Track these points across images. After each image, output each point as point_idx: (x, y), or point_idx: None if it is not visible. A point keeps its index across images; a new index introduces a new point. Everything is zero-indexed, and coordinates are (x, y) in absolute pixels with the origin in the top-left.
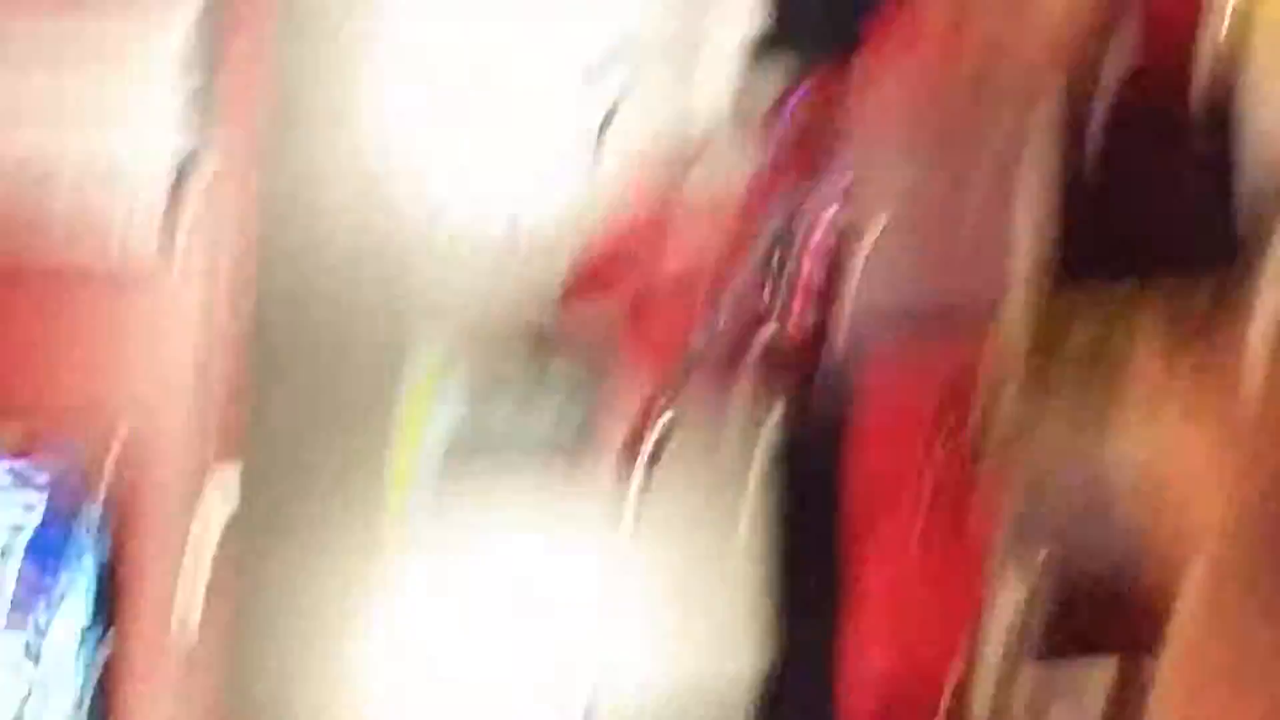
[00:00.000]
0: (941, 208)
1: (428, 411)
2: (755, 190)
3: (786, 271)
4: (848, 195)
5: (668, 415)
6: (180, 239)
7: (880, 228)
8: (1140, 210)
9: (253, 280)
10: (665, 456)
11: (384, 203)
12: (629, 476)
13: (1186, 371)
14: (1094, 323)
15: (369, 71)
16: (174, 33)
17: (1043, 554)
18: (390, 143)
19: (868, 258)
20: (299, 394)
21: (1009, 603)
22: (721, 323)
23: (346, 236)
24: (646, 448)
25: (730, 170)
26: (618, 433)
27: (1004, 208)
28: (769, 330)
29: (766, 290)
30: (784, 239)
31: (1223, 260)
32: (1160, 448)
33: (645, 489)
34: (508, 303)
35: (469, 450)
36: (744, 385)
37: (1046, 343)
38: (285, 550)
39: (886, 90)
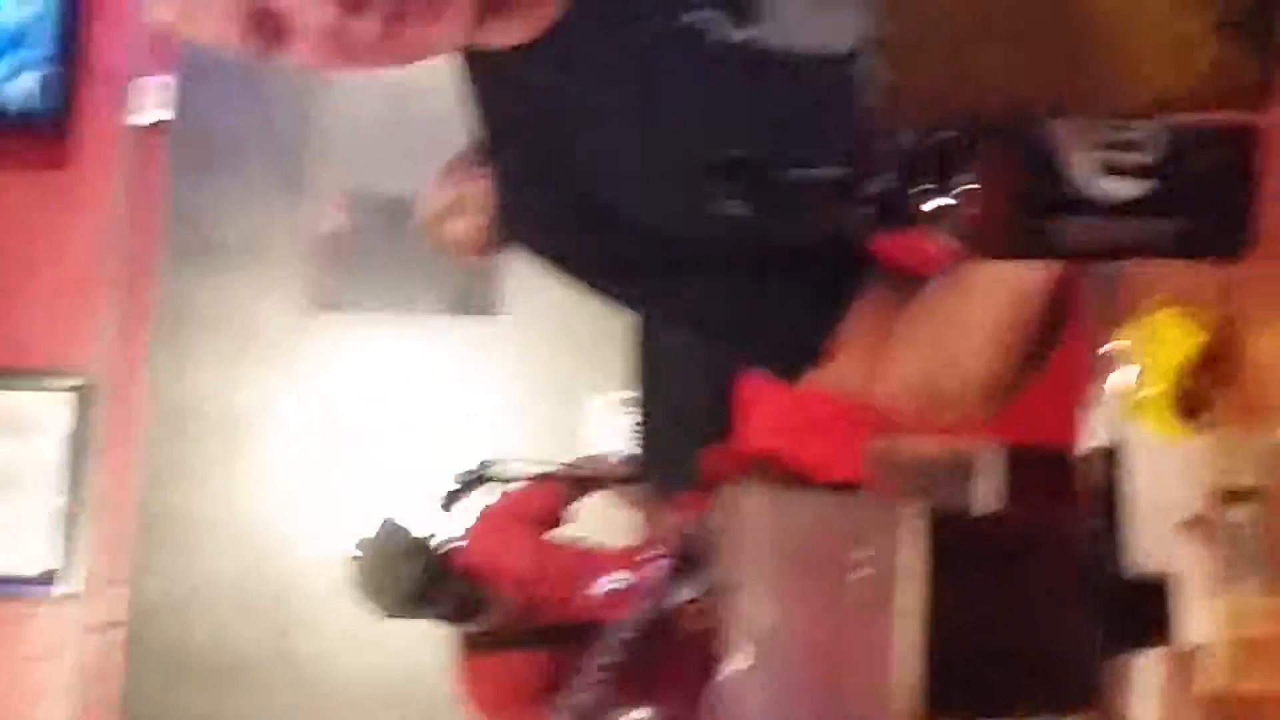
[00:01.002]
0: (807, 640)
1: None
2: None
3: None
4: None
5: None
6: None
7: (745, 659)
8: (1009, 646)
9: (115, 701)
10: None
11: (255, 613)
12: None
13: None
14: None
15: (236, 479)
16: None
17: None
18: (257, 550)
19: (734, 684)
20: None
21: None
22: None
23: (212, 646)
24: None
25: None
26: None
27: (874, 639)
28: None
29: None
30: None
31: (1084, 701)
32: None
33: None
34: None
35: None
36: None
37: None
38: None
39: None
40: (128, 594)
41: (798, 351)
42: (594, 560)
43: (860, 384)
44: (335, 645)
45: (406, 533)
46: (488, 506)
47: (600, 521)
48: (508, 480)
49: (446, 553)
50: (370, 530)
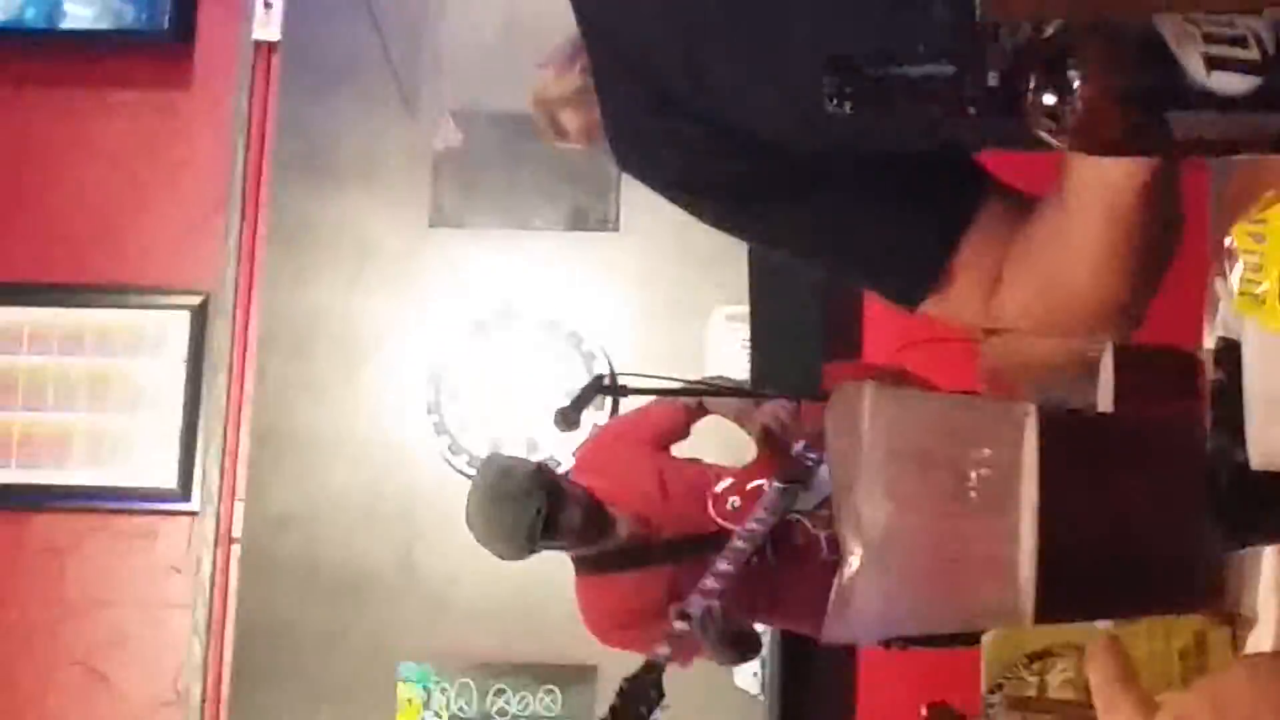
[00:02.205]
0: (924, 541)
1: None
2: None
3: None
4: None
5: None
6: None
7: (860, 561)
8: (1127, 543)
9: (234, 613)
10: None
11: (378, 528)
12: None
13: None
14: (1071, 662)
15: (355, 396)
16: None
17: None
18: (375, 467)
19: (850, 584)
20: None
21: None
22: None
23: (334, 564)
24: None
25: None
26: None
27: (994, 539)
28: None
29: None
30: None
31: (1201, 598)
32: None
33: None
34: (488, 633)
35: None
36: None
37: (1030, 675)
38: None
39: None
40: (246, 509)
41: (916, 278)
42: (713, 478)
43: (978, 310)
44: (458, 559)
45: (516, 467)
46: (604, 425)
47: (717, 442)
48: (625, 394)
49: (559, 478)
50: (479, 473)
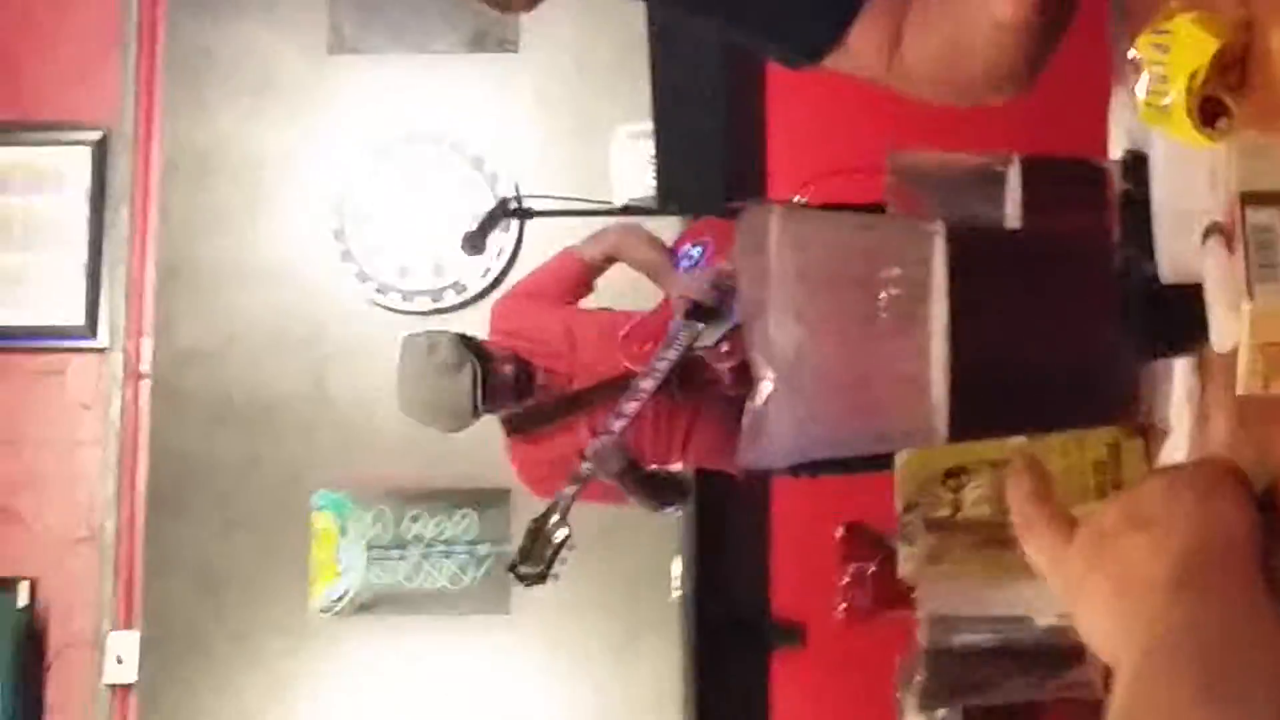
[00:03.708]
0: (836, 362)
1: (332, 565)
2: (650, 323)
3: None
4: (740, 339)
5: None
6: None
7: (771, 384)
8: (1040, 358)
9: (145, 447)
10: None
11: (290, 356)
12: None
13: (1073, 547)
14: (986, 479)
15: (261, 226)
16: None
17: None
18: (284, 296)
19: (763, 409)
20: (199, 557)
21: None
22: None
23: (246, 396)
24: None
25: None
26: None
27: (906, 358)
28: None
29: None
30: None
31: (1115, 410)
32: (1057, 606)
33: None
34: (401, 460)
35: (371, 602)
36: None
37: (945, 494)
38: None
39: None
40: (156, 343)
41: (819, 33)
42: (623, 322)
43: (878, 66)
44: (370, 386)
45: (440, 341)
46: (508, 289)
47: (623, 292)
48: (530, 217)
49: (481, 341)
50: (403, 357)
